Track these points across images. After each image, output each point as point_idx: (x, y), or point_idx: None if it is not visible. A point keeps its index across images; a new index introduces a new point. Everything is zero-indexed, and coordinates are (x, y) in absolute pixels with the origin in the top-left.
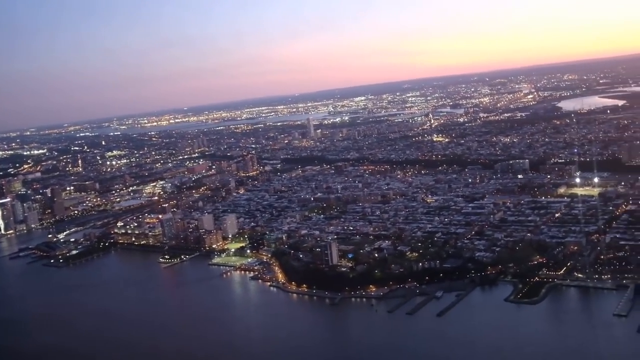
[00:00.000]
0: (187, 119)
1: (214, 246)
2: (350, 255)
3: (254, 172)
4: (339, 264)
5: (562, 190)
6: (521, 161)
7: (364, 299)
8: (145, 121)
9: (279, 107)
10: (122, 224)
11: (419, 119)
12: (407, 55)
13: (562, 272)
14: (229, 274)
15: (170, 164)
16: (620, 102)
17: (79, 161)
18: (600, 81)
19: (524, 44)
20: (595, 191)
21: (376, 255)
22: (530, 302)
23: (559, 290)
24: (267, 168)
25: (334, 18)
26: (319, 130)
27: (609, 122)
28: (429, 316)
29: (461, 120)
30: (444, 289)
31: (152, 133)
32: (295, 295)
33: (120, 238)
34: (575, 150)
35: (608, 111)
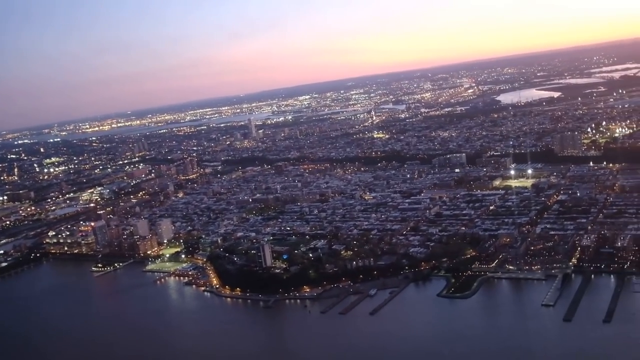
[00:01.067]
0: (130, 123)
1: (148, 252)
2: (285, 257)
3: (194, 175)
4: (273, 265)
5: (497, 182)
6: (458, 155)
7: (298, 300)
8: (87, 126)
9: (224, 108)
10: (54, 233)
11: (362, 116)
12: (351, 53)
13: (493, 264)
14: (162, 280)
15: (109, 170)
16: (556, 94)
17: (15, 169)
18: (538, 74)
19: (465, 40)
20: (529, 182)
21: (311, 255)
22: (462, 297)
23: (491, 283)
24: (208, 170)
25: (278, 18)
26: (261, 131)
27: (544, 114)
28: (362, 315)
29: (402, 116)
30: (378, 287)
31: (93, 138)
32: (229, 299)
33: (52, 248)
34: (511, 143)
35: (544, 103)
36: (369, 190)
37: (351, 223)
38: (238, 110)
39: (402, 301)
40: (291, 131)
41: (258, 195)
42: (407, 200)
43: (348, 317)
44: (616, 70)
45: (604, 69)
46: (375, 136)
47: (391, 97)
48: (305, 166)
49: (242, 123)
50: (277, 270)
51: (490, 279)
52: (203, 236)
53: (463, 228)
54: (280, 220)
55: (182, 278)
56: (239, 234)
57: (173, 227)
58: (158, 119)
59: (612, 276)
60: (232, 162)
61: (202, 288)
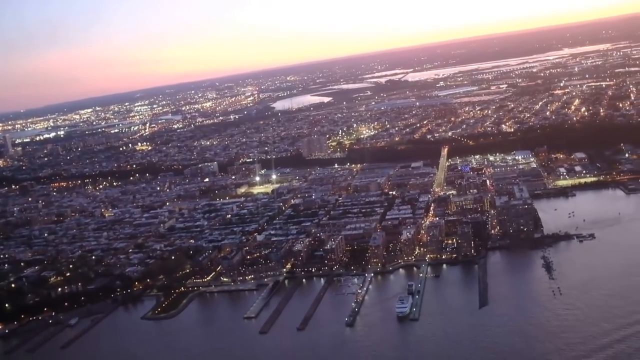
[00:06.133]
0: None
1: None
2: None
3: None
4: None
5: (243, 190)
6: (210, 164)
7: None
8: None
9: None
10: None
11: (137, 128)
12: (142, 64)
13: (209, 278)
14: None
15: None
16: (327, 99)
17: None
18: (317, 81)
19: (255, 50)
20: (272, 188)
21: (13, 285)
22: (167, 317)
23: (203, 298)
24: None
25: (63, 29)
26: (20, 148)
27: (306, 119)
28: (53, 350)
29: (176, 126)
30: (82, 315)
31: None
32: None
33: None
34: (266, 149)
35: (311, 108)
36: (111, 207)
37: (78, 244)
38: (10, 127)
39: (103, 329)
40: (53, 147)
41: None
42: (145, 215)
43: (37, 355)
44: (385, 76)
45: (376, 74)
46: (138, 148)
47: (173, 107)
48: (57, 184)
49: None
50: None
51: (203, 294)
52: None
53: (191, 241)
54: (2, 247)
55: None
56: None
57: None
58: None
59: (322, 279)
60: None
61: None
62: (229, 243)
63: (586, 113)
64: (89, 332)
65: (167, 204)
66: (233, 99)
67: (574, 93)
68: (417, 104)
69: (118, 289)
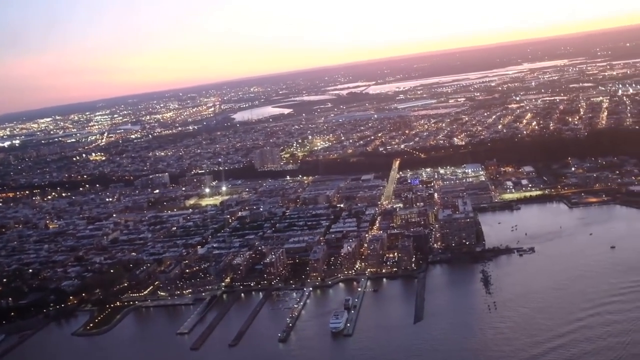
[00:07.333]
0: None
1: None
2: None
3: None
4: None
5: (192, 201)
6: (161, 175)
7: None
8: None
9: None
10: None
11: (94, 137)
12: (107, 73)
13: (146, 292)
14: None
15: None
16: (287, 111)
17: None
18: (280, 92)
19: (220, 60)
20: (220, 200)
21: None
22: (100, 332)
23: (138, 313)
24: None
25: (26, 36)
26: None
27: (263, 130)
28: None
29: (134, 136)
30: (10, 331)
31: None
32: None
33: None
34: (220, 160)
35: (270, 119)
36: (57, 218)
37: (16, 257)
38: None
39: (30, 346)
40: (6, 157)
41: None
42: (89, 227)
43: None
44: (348, 88)
45: (339, 86)
46: (92, 158)
47: (133, 118)
48: (3, 195)
49: None
50: None
51: (138, 309)
52: None
53: (133, 253)
54: None
55: None
56: None
57: None
58: None
59: (260, 293)
60: None
61: None
62: (169, 256)
63: (536, 127)
64: (15, 349)
65: (114, 215)
66: (194, 109)
67: (528, 107)
68: (375, 116)
69: (51, 304)
